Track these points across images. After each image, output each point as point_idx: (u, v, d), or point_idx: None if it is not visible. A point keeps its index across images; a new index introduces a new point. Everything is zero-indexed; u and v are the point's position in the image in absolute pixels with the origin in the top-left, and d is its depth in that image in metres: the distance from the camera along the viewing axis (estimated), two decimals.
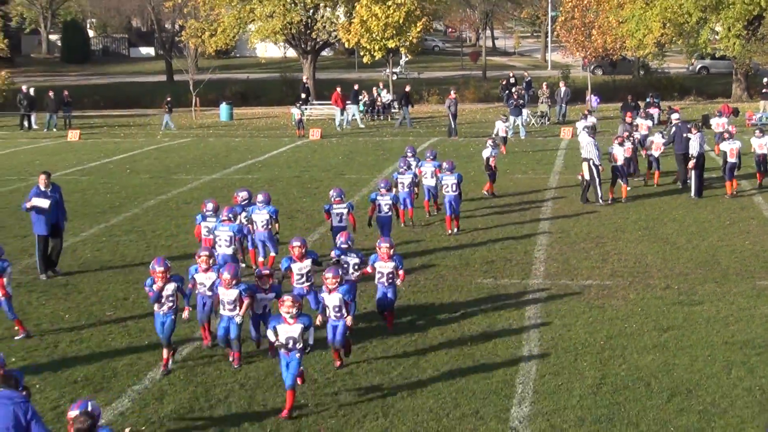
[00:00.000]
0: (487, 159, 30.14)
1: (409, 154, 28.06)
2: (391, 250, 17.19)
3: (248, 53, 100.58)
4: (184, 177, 36.45)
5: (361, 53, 64.95)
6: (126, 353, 16.58)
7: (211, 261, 16.43)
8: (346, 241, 17.94)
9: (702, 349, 16.31)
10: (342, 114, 55.80)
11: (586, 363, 15.75)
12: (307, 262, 17.15)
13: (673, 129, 32.60)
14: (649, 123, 39.27)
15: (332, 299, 15.26)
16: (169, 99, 58.22)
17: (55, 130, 56.36)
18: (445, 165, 26.08)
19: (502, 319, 18.16)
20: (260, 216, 21.20)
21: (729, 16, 59.64)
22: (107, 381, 15.25)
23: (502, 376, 15.28)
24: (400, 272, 17.11)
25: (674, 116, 34.82)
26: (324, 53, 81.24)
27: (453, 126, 49.64)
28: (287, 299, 13.70)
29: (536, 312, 18.61)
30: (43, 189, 22.00)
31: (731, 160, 29.86)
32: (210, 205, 20.99)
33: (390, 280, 17.11)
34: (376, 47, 61.99)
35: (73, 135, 51.77)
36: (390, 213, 23.08)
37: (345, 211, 21.90)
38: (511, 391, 14.62)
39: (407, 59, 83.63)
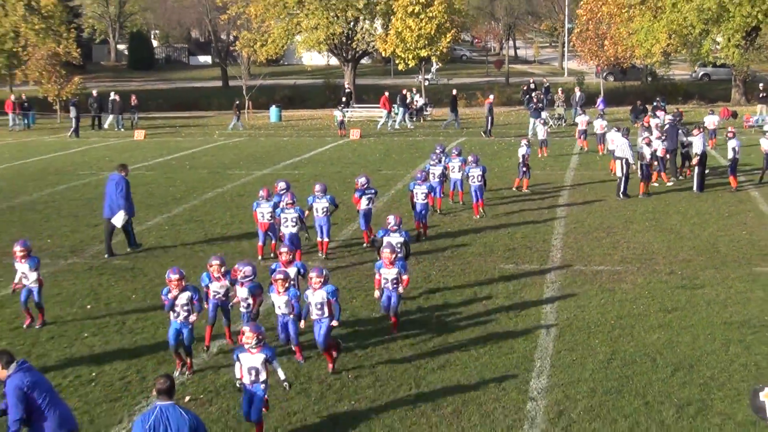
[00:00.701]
0: (523, 157, 29.99)
1: (438, 150, 28.35)
2: (393, 256, 16.01)
3: (295, 61, 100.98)
4: (238, 172, 36.58)
5: (396, 61, 64.77)
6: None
7: (222, 269, 15.53)
8: (397, 223, 18.30)
9: (703, 328, 16.28)
10: (387, 117, 55.82)
11: (597, 340, 15.77)
12: (293, 270, 16.11)
13: (667, 126, 33.49)
14: (658, 121, 39.33)
15: (316, 297, 14.40)
16: (237, 102, 58.41)
17: (122, 129, 56.78)
18: (470, 158, 26.70)
19: (523, 301, 18.17)
20: (320, 204, 21.57)
21: (729, 27, 59.95)
22: (169, 354, 15.34)
23: (522, 352, 15.33)
24: (405, 278, 16.07)
25: (667, 117, 35.46)
26: (363, 61, 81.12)
27: (489, 127, 49.69)
28: (245, 330, 12.38)
29: (553, 294, 18.61)
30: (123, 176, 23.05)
31: (737, 156, 29.91)
32: (262, 192, 21.64)
33: (394, 284, 15.95)
34: (410, 56, 62.02)
35: (139, 134, 52.07)
36: (426, 201, 23.40)
37: (374, 195, 22.98)
38: (530, 365, 14.67)
39: (438, 67, 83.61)
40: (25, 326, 17.13)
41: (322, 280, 14.44)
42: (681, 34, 61.86)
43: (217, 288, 15.54)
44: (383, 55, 68.95)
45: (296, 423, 12.80)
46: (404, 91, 58.73)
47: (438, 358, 15.11)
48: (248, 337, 12.14)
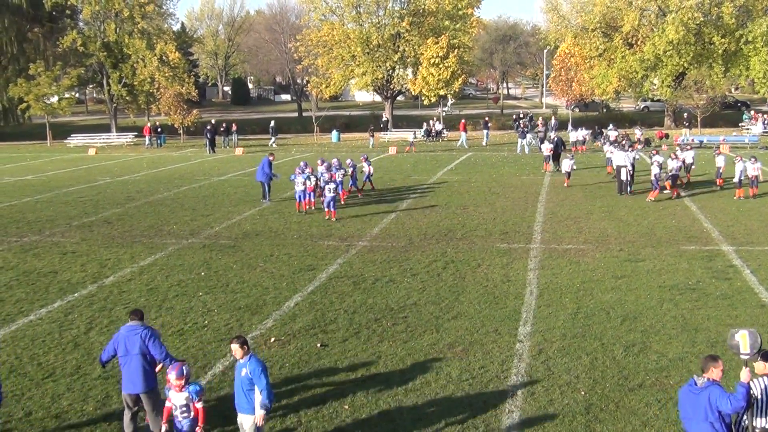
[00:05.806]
0: (655, 176, 27.83)
1: (347, 162, 31.36)
2: (183, 381, 9.10)
3: (349, 98, 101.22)
4: None
5: (422, 98, 64.95)
6: (271, 290, 16.73)
7: None
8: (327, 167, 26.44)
9: (644, 290, 16.07)
10: (464, 137, 54.86)
11: (567, 299, 15.59)
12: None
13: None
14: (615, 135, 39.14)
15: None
16: (372, 127, 58.54)
17: (227, 147, 56.91)
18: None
19: (513, 270, 18.02)
20: (365, 167, 29.01)
21: (663, 73, 61.32)
22: (260, 308, 15.40)
23: (513, 306, 15.19)
24: (198, 406, 9.18)
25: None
26: (399, 98, 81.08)
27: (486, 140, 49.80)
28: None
29: (535, 265, 18.44)
30: (271, 159, 29.01)
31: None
32: (306, 169, 26.22)
33: (184, 414, 9.17)
34: (432, 94, 62.32)
35: (238, 151, 52.24)
36: (336, 194, 25.42)
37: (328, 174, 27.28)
38: (518, 317, 14.52)
39: (452, 102, 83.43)
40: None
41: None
42: (628, 78, 62.89)
43: None
44: (413, 93, 68.93)
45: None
46: (486, 119, 59.36)
47: (452, 311, 15.00)
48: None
